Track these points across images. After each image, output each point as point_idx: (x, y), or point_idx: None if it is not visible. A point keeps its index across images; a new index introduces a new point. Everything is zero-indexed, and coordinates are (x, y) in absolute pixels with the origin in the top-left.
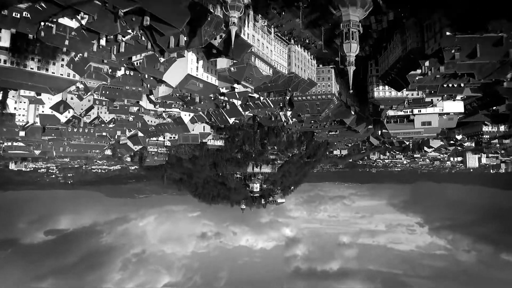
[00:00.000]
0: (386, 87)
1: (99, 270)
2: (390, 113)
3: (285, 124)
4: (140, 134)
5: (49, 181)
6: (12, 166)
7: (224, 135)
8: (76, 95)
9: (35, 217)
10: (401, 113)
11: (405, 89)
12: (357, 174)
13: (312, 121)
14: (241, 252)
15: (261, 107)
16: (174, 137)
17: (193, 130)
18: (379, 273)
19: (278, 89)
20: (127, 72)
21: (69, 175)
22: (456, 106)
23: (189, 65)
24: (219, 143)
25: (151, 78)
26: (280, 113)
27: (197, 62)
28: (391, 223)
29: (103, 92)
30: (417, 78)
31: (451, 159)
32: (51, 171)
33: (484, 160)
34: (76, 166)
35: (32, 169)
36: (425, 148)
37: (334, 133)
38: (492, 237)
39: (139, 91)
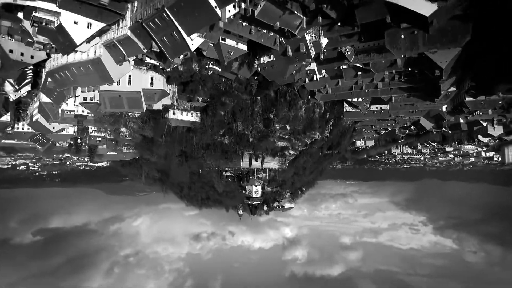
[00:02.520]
0: None
1: (82, 273)
2: None
3: (307, 81)
4: (44, 98)
5: (33, 179)
6: None
7: (198, 101)
8: None
9: (28, 216)
10: None
11: None
12: (361, 172)
13: (359, 72)
14: (238, 254)
15: None
16: (91, 99)
17: (128, 84)
18: (383, 275)
19: None
20: None
21: (54, 172)
22: None
23: None
24: (191, 117)
25: None
26: (307, 36)
27: None
28: (395, 222)
29: None
30: None
31: (483, 154)
32: (32, 168)
33: None
34: (55, 162)
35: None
36: (480, 138)
37: (381, 108)
38: (499, 236)
39: None
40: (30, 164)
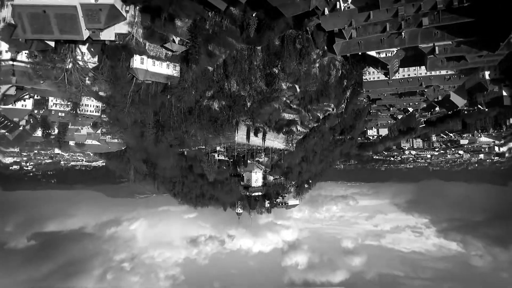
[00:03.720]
0: None
1: (74, 280)
2: None
3: (326, 12)
4: None
5: (28, 180)
6: None
7: (175, 43)
8: None
9: (25, 220)
10: None
11: None
12: (363, 172)
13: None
14: (236, 259)
15: None
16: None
17: None
18: (387, 280)
19: None
20: None
21: (49, 172)
22: None
23: None
24: (166, 70)
25: None
26: None
27: None
28: (397, 225)
29: None
30: None
31: (497, 149)
32: (26, 168)
33: None
34: (48, 160)
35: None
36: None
37: (409, 75)
38: (505, 239)
39: None
40: (22, 163)
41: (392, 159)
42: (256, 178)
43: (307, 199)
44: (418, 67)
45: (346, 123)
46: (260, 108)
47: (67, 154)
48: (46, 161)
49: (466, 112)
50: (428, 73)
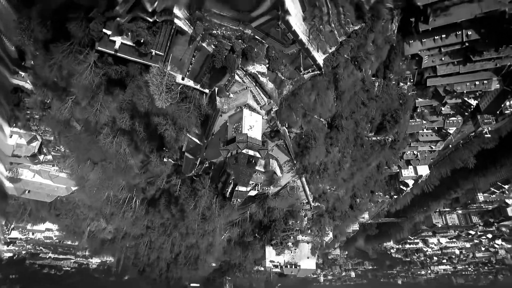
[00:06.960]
0: None
1: None
2: None
3: None
4: None
5: None
6: None
7: None
8: None
9: None
10: None
11: None
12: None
13: None
14: None
15: None
16: None
17: None
18: None
19: None
20: None
21: (12, 276)
22: None
23: None
24: None
25: None
26: None
27: None
28: None
29: None
30: None
31: None
32: None
33: None
34: (7, 252)
35: None
36: None
37: None
38: None
39: None
40: None
41: (414, 258)
42: (252, 122)
43: None
44: None
45: (389, 104)
46: None
47: (24, 236)
48: (6, 255)
49: None
50: None
